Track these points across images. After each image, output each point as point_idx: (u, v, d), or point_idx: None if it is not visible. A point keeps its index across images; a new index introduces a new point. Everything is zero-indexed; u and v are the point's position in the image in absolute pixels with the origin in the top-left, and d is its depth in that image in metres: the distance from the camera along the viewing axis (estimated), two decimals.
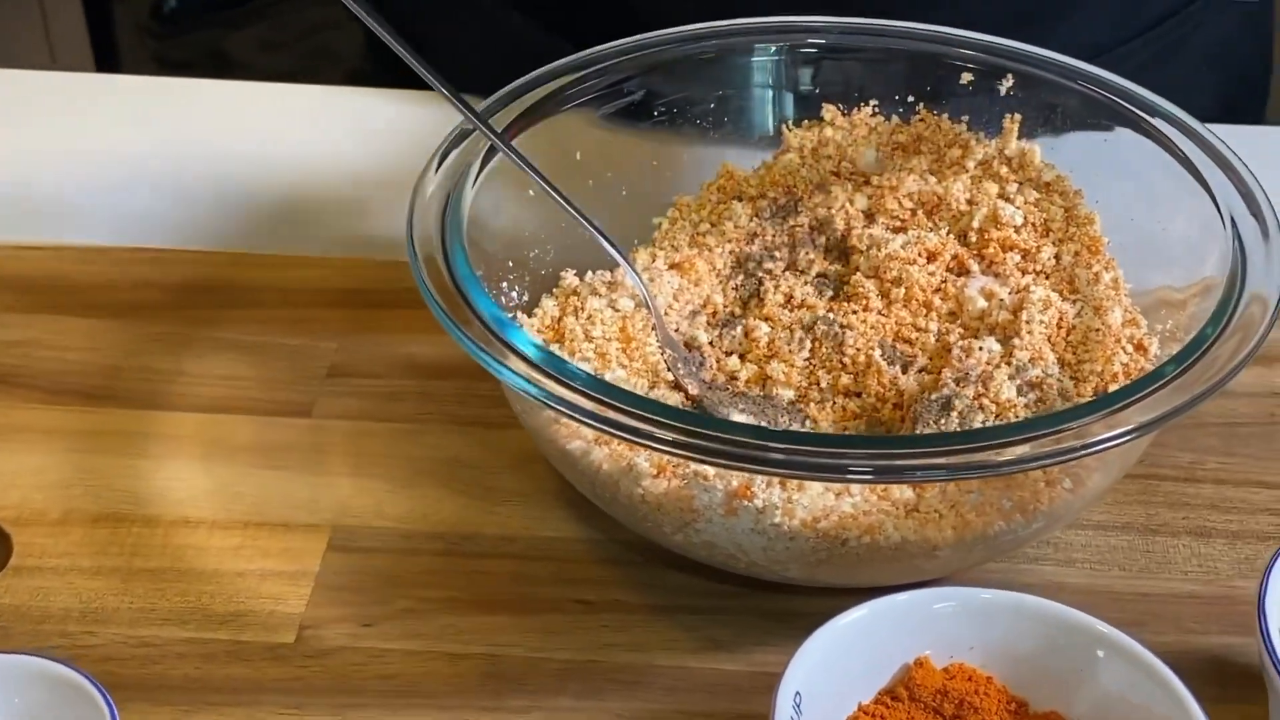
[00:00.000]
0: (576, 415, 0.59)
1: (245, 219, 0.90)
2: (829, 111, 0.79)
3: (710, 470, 0.62)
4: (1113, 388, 0.67)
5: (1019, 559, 0.70)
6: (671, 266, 0.75)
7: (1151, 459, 0.74)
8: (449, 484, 0.74)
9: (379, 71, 1.04)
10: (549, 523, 0.72)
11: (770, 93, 0.81)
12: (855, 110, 0.79)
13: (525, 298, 0.74)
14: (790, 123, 0.80)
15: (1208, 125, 0.74)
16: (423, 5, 0.98)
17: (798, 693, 0.56)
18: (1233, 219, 0.68)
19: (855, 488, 0.62)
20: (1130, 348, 0.69)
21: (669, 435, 0.57)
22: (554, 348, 0.70)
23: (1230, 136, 0.74)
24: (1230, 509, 0.73)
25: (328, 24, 2.75)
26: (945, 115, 0.78)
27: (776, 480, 0.62)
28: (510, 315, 0.72)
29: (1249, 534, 0.72)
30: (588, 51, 0.77)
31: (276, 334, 0.82)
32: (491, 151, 0.73)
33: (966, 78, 0.78)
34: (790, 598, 0.68)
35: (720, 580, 0.69)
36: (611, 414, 0.58)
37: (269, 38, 2.78)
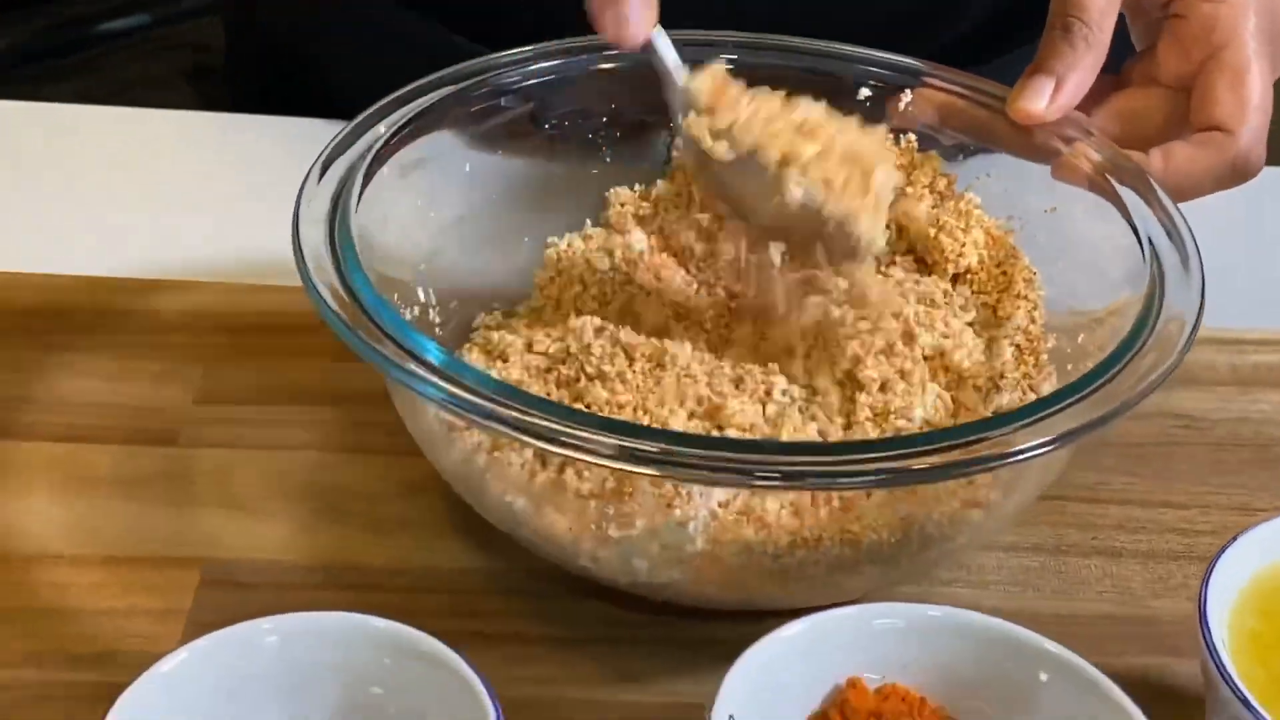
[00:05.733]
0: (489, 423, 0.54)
1: (99, 243, 0.84)
2: None
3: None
4: None
5: (934, 582, 0.68)
6: None
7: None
8: (331, 512, 0.69)
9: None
10: (442, 553, 0.68)
11: None
12: None
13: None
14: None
15: None
16: (307, 20, 0.94)
17: (731, 715, 0.53)
18: (1151, 243, 0.66)
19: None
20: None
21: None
22: None
23: None
24: (1138, 529, 0.72)
25: (150, 80, 2.66)
26: None
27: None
28: None
29: (1160, 554, 0.71)
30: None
31: (138, 359, 0.76)
32: (376, 163, 0.68)
33: (864, 93, 0.76)
34: (702, 625, 0.64)
35: (628, 608, 0.65)
36: (535, 422, 0.54)
37: (88, 92, 2.68)
